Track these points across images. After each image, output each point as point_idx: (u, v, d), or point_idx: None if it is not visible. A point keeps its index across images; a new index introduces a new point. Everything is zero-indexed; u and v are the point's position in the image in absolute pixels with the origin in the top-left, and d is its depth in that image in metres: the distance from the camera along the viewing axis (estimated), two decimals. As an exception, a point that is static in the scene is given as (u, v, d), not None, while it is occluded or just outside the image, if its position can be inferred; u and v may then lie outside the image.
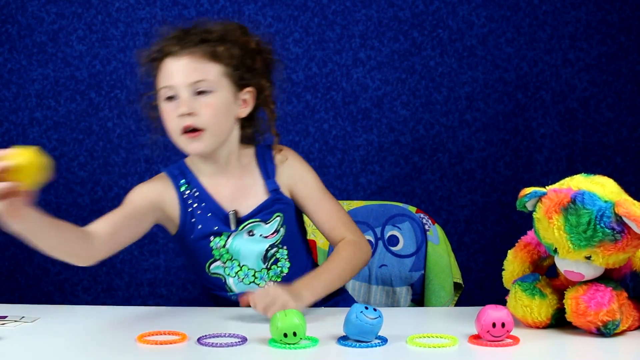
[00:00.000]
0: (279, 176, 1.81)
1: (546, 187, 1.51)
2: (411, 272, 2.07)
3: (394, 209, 2.12)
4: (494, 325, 1.42)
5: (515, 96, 2.85)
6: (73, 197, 2.76)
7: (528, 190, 1.51)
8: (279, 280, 1.79)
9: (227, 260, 1.78)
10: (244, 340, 1.45)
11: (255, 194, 1.79)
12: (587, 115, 2.87)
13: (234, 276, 1.79)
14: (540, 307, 1.53)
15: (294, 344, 1.41)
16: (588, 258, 1.46)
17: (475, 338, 1.45)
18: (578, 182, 1.48)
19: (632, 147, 2.88)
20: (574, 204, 1.44)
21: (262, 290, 1.62)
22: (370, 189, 2.85)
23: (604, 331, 1.46)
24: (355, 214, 2.11)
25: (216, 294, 1.82)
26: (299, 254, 1.84)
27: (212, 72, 1.72)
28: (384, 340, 1.44)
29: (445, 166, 2.85)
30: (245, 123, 1.82)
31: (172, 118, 1.74)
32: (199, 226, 1.77)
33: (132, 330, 1.51)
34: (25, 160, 1.43)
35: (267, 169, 1.82)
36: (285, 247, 1.80)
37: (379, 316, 1.41)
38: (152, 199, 1.79)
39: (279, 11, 2.77)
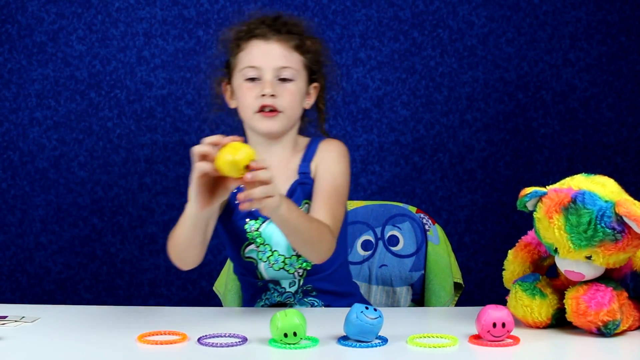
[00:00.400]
0: (314, 162, 1.86)
1: (547, 186, 1.51)
2: (411, 272, 2.07)
3: (394, 209, 2.12)
4: (494, 325, 1.41)
5: (516, 96, 2.85)
6: (73, 196, 2.76)
7: (529, 190, 1.51)
8: (308, 268, 1.82)
9: (260, 244, 1.81)
10: (244, 340, 1.45)
11: (287, 176, 1.83)
12: (587, 115, 2.87)
13: (265, 261, 1.82)
14: (540, 307, 1.52)
15: (294, 344, 1.41)
16: (588, 258, 1.46)
17: (476, 338, 1.45)
18: (579, 182, 1.48)
19: (633, 147, 2.88)
20: (574, 204, 1.44)
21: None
22: (370, 189, 2.85)
23: (605, 331, 1.46)
24: (355, 214, 2.11)
25: (245, 280, 1.86)
26: None
27: (296, 62, 1.81)
28: (384, 340, 1.44)
29: (446, 166, 2.85)
30: (305, 117, 1.90)
31: (252, 96, 1.79)
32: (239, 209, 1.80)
33: (132, 330, 1.51)
34: (238, 157, 1.48)
35: (308, 154, 1.86)
36: None
37: (379, 316, 1.41)
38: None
39: (278, 11, 2.77)
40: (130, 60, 2.74)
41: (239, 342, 1.44)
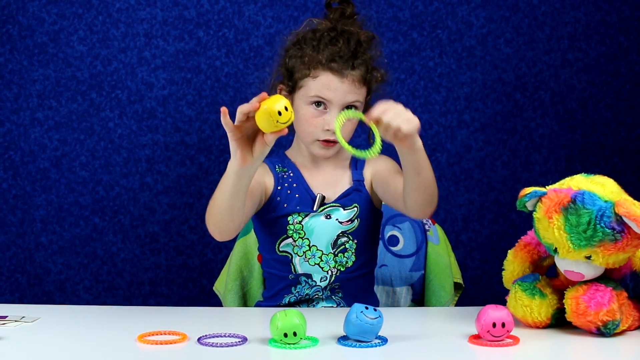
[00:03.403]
0: (366, 170, 1.92)
1: (546, 187, 1.52)
2: (411, 272, 2.07)
3: (394, 209, 2.12)
4: (494, 325, 1.42)
5: (514, 96, 2.86)
6: (74, 196, 2.77)
7: (528, 190, 1.52)
8: (342, 269, 1.87)
9: (298, 238, 1.86)
10: (244, 340, 1.45)
11: (342, 183, 1.90)
12: (586, 115, 2.87)
13: (301, 255, 1.86)
14: (540, 307, 1.53)
15: (294, 344, 1.41)
16: (588, 258, 1.46)
17: (476, 338, 1.46)
18: (578, 182, 1.48)
19: (631, 147, 2.88)
20: (574, 204, 1.44)
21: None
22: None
23: (604, 331, 1.47)
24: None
25: (276, 274, 1.89)
26: (365, 253, 1.91)
27: (362, 94, 1.86)
28: (384, 340, 1.44)
29: (444, 166, 2.86)
30: None
31: (315, 126, 1.83)
32: (284, 205, 1.86)
33: (132, 330, 1.51)
34: (268, 107, 1.48)
35: (357, 162, 1.93)
36: (355, 241, 1.88)
37: (379, 316, 1.42)
38: (259, 179, 1.84)
39: (278, 12, 2.78)
40: (131, 61, 2.74)
41: (239, 342, 1.44)
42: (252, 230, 2.07)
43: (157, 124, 2.75)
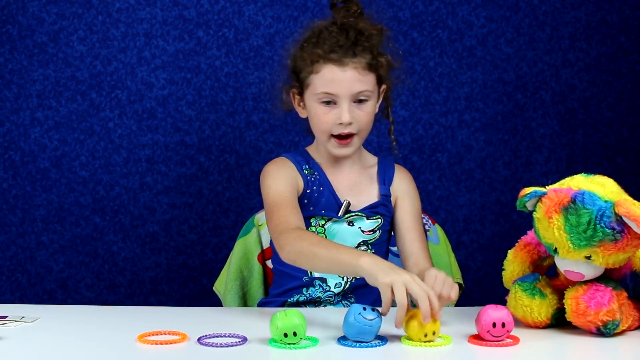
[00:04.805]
0: (393, 186, 1.92)
1: (546, 187, 1.52)
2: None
3: (394, 209, 2.12)
4: (494, 325, 1.42)
5: (515, 96, 2.85)
6: (75, 196, 2.77)
7: (528, 190, 1.51)
8: (357, 277, 1.81)
9: None
10: (244, 340, 1.45)
11: (369, 194, 1.90)
12: (586, 115, 2.87)
13: None
14: (540, 307, 1.53)
15: (294, 344, 1.41)
16: (588, 258, 1.46)
17: (476, 338, 1.46)
18: (578, 182, 1.48)
19: (632, 147, 2.88)
20: (574, 204, 1.44)
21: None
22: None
23: (604, 331, 1.47)
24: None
25: (291, 273, 1.87)
26: None
27: (371, 82, 1.82)
28: (383, 340, 1.44)
29: (444, 166, 2.86)
30: None
31: (327, 122, 1.82)
32: (311, 207, 1.86)
33: (132, 330, 1.51)
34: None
35: (386, 177, 1.92)
36: (373, 251, 1.88)
37: (377, 317, 1.42)
38: (293, 184, 1.87)
39: (279, 12, 2.77)
40: (131, 61, 2.74)
41: (239, 342, 1.44)
42: (252, 230, 2.07)
43: (157, 124, 2.75)
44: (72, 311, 1.73)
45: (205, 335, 1.47)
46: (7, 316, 1.62)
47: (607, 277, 1.52)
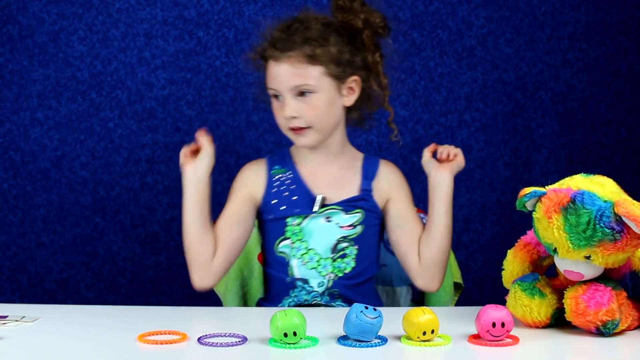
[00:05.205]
0: (377, 182, 1.89)
1: (546, 187, 1.52)
2: (411, 272, 2.06)
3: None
4: (493, 325, 1.42)
5: (515, 96, 2.86)
6: (75, 196, 2.77)
7: (528, 190, 1.52)
8: (340, 275, 1.84)
9: (297, 240, 1.84)
10: (244, 340, 1.45)
11: (349, 188, 1.87)
12: (586, 115, 2.87)
13: (299, 258, 1.84)
14: (540, 307, 1.53)
15: (294, 343, 1.41)
16: (587, 258, 1.46)
17: (475, 338, 1.46)
18: (578, 182, 1.48)
19: (631, 147, 2.88)
20: (573, 204, 1.44)
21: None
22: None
23: (604, 331, 1.47)
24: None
25: (274, 275, 1.87)
26: (366, 260, 1.88)
27: (312, 75, 1.78)
28: (383, 340, 1.44)
29: (445, 166, 2.86)
30: (357, 104, 1.89)
31: (279, 116, 1.83)
32: (282, 207, 1.85)
33: (132, 330, 1.51)
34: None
35: (369, 173, 1.90)
36: (356, 247, 1.85)
37: (379, 316, 1.42)
38: (243, 192, 1.89)
39: (279, 12, 2.78)
40: (131, 61, 2.75)
41: (239, 342, 1.44)
42: (253, 229, 2.07)
43: (157, 124, 2.75)
44: (72, 311, 1.73)
45: (205, 335, 1.47)
46: (7, 316, 1.62)
47: (607, 277, 1.52)
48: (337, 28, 1.83)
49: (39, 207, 2.77)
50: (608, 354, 1.42)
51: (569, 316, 1.49)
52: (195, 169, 1.82)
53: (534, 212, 1.51)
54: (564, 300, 1.51)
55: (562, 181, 1.51)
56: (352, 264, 1.85)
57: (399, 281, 2.07)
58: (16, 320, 1.59)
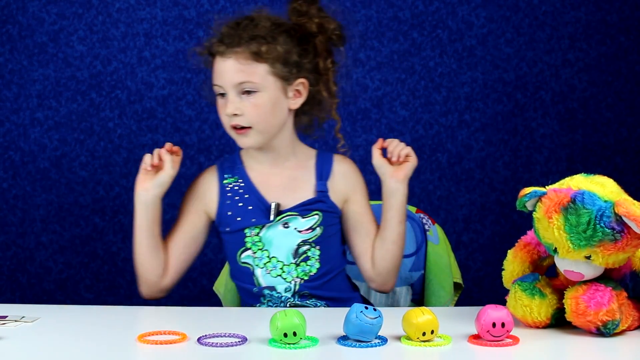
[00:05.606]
0: (332, 181, 1.85)
1: (546, 187, 1.52)
2: (411, 272, 2.07)
3: (393, 209, 2.11)
4: (494, 325, 1.42)
5: (515, 96, 2.86)
6: (74, 196, 2.77)
7: (528, 190, 1.51)
8: (306, 278, 1.80)
9: (257, 250, 1.80)
10: (244, 340, 1.45)
11: (303, 191, 1.83)
12: (586, 115, 2.87)
13: (262, 267, 1.80)
14: (540, 307, 1.53)
15: (294, 343, 1.41)
16: (588, 258, 1.46)
17: (475, 338, 1.45)
18: (578, 182, 1.48)
19: (632, 147, 2.88)
20: (573, 204, 1.44)
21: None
22: (369, 188, 2.85)
23: (604, 331, 1.47)
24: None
25: (242, 286, 1.85)
26: (332, 260, 1.84)
27: (256, 73, 1.75)
28: (383, 340, 1.44)
29: (444, 166, 2.86)
30: (306, 109, 1.84)
31: (223, 114, 1.79)
32: (238, 218, 1.81)
33: (132, 330, 1.51)
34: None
35: (323, 172, 1.85)
36: (318, 248, 1.81)
37: (379, 316, 1.42)
38: (195, 207, 1.88)
39: (279, 12, 2.77)
40: (131, 61, 2.75)
41: (239, 342, 1.44)
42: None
43: (157, 124, 2.75)
44: (72, 311, 1.73)
45: (205, 335, 1.47)
46: (7, 316, 1.62)
47: (607, 277, 1.52)
48: (288, 29, 1.80)
49: (38, 207, 2.77)
50: (608, 354, 1.42)
51: (569, 316, 1.49)
52: (147, 193, 1.81)
53: (534, 212, 1.51)
54: (564, 301, 1.50)
55: (562, 181, 1.51)
56: (317, 265, 1.81)
57: (399, 281, 2.07)
58: (16, 321, 1.59)
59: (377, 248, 1.84)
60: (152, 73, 2.75)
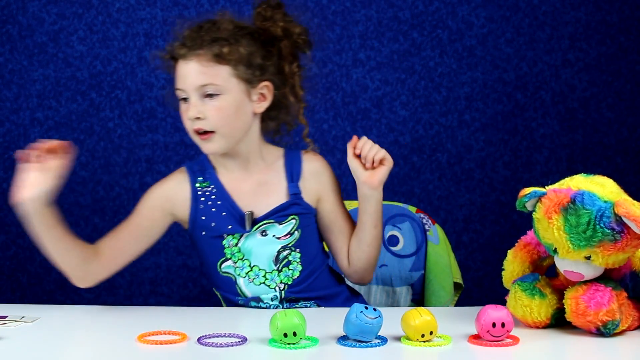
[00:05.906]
0: (304, 182, 1.81)
1: (546, 187, 1.52)
2: (411, 272, 2.07)
3: (394, 209, 2.12)
4: (494, 325, 1.42)
5: (515, 96, 2.86)
6: (75, 196, 2.77)
7: (528, 190, 1.51)
8: (289, 282, 1.78)
9: (238, 259, 1.77)
10: (244, 340, 1.45)
11: (276, 195, 1.79)
12: (586, 115, 2.87)
13: (245, 276, 1.77)
14: (540, 307, 1.53)
15: (294, 344, 1.41)
16: (588, 258, 1.46)
17: (475, 338, 1.46)
18: (578, 182, 1.48)
19: (632, 147, 2.88)
20: (573, 204, 1.44)
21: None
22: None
23: (604, 331, 1.47)
24: (355, 214, 2.11)
25: (226, 297, 1.81)
26: (313, 260, 1.82)
27: (219, 75, 1.71)
28: (383, 340, 1.44)
29: (444, 166, 2.86)
30: (272, 113, 1.81)
31: (185, 119, 1.75)
32: (212, 224, 1.76)
33: (132, 330, 1.51)
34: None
35: (293, 172, 1.82)
36: (298, 251, 1.78)
37: (379, 316, 1.42)
38: (162, 206, 1.80)
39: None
40: (131, 61, 2.75)
41: (239, 342, 1.44)
42: None
43: (157, 124, 2.75)
44: (72, 311, 1.73)
45: (205, 335, 1.47)
46: (7, 316, 1.62)
47: (607, 277, 1.52)
48: (252, 32, 1.77)
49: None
50: (608, 354, 1.42)
51: (569, 316, 1.49)
52: (34, 202, 1.65)
53: (534, 212, 1.51)
54: (564, 301, 1.50)
55: (562, 181, 1.51)
56: (299, 267, 1.79)
57: (399, 281, 2.07)
58: (16, 321, 1.59)
59: (352, 248, 1.82)
60: (152, 73, 2.75)
